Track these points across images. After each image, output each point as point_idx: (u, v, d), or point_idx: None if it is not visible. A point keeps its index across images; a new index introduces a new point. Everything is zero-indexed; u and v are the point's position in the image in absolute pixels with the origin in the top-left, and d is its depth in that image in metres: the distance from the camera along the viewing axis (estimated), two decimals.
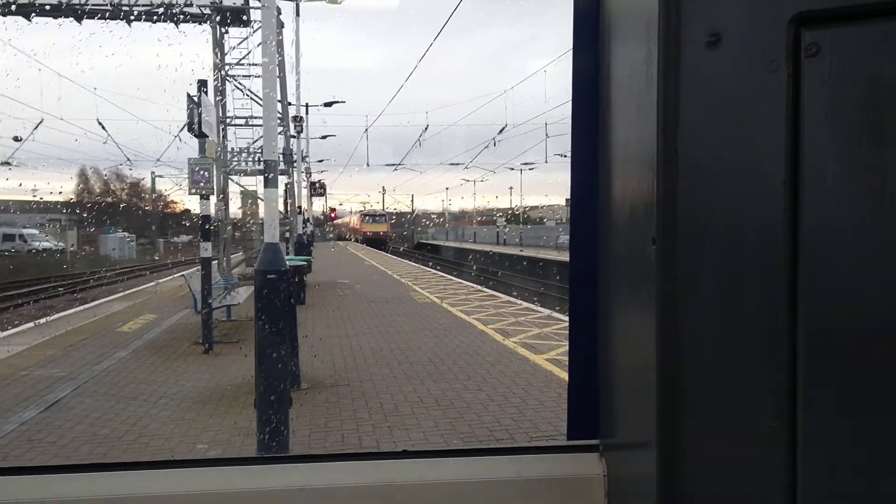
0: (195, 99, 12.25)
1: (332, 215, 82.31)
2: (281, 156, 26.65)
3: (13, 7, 21.87)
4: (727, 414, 1.03)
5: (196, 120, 12.17)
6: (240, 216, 26.28)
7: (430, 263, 42.27)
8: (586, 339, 1.46)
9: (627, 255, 1.25)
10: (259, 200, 22.07)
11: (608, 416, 1.41)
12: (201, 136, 12.78)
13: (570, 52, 1.46)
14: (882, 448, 0.95)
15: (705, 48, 1.01)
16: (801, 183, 0.96)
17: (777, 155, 0.97)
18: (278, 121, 24.83)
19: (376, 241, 62.72)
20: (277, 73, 24.57)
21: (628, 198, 1.23)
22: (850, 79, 0.94)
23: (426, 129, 51.38)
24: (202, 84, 12.61)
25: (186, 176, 13.70)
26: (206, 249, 13.40)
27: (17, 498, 1.36)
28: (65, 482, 1.40)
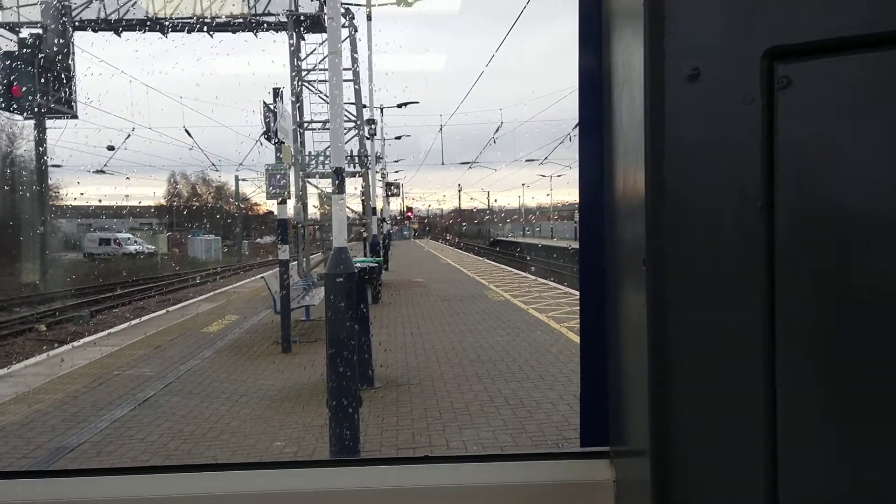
0: (270, 107, 12.67)
1: (409, 214, 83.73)
2: (357, 158, 27.13)
3: (104, 23, 23.12)
4: (712, 422, 1.08)
5: (271, 128, 12.59)
6: (319, 217, 26.89)
7: (506, 260, 42.22)
8: (596, 349, 1.52)
9: (626, 270, 1.31)
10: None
11: (617, 423, 1.46)
12: (277, 143, 13.21)
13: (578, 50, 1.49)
14: (864, 451, 0.97)
15: (687, 82, 1.06)
16: (776, 207, 1.01)
17: (754, 181, 1.02)
18: (353, 124, 25.33)
19: (417, 233, 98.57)
20: (350, 78, 25.02)
21: (624, 213, 1.29)
22: (819, 109, 0.98)
23: (500, 126, 51.51)
24: (277, 92, 13.04)
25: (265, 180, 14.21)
26: (284, 251, 13.87)
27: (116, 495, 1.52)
28: (156, 481, 1.56)
